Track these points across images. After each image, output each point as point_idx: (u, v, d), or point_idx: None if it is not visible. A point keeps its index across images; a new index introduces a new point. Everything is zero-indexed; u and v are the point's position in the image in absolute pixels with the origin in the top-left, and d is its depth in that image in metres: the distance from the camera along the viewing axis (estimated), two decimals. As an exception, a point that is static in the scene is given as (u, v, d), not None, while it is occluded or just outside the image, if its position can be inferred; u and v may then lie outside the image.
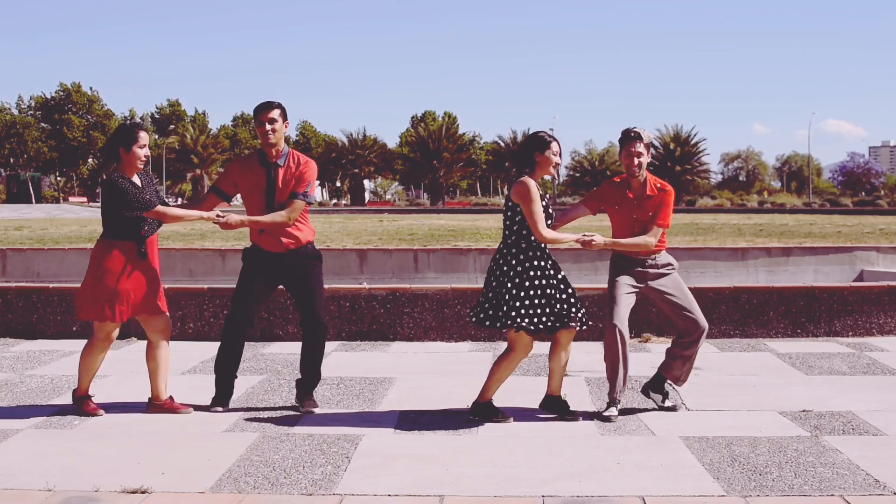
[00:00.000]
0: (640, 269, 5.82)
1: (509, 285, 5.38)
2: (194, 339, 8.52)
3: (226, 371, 5.95)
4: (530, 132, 5.71)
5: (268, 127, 5.75)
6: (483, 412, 5.57)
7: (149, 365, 5.79)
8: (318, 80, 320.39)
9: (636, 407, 5.94)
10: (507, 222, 5.52)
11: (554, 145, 5.55)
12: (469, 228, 28.67)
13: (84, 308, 5.60)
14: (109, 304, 5.53)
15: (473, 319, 5.58)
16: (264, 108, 5.80)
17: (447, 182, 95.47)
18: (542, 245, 5.47)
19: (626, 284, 5.80)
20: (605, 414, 5.63)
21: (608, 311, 5.73)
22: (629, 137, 5.81)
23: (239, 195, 6.00)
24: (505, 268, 5.44)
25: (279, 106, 5.84)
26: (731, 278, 14.66)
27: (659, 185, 5.88)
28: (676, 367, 5.87)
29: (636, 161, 5.77)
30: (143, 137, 5.62)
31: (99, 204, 6.04)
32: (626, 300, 5.75)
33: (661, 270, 5.84)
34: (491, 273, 5.54)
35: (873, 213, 51.19)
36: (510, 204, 5.50)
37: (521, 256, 5.43)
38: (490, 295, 5.49)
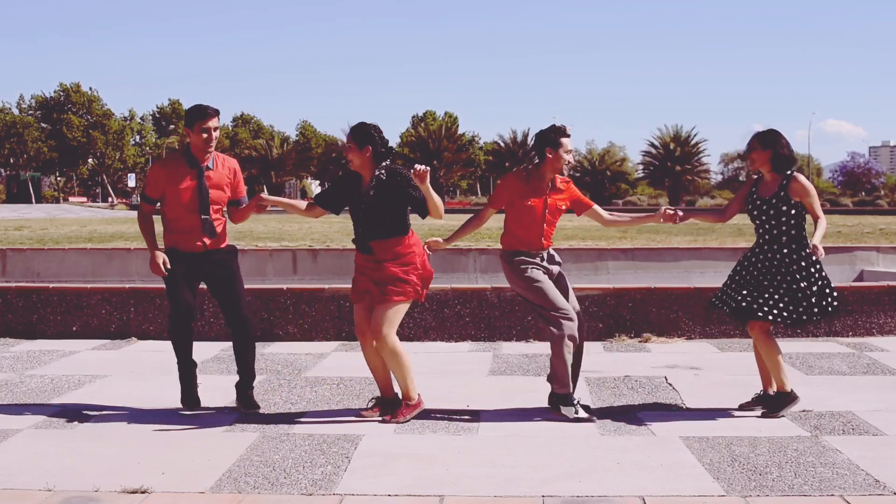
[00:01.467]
0: (545, 263, 5.84)
1: (798, 277, 5.51)
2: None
3: (191, 374, 6.00)
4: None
5: (214, 134, 5.78)
6: (788, 400, 5.64)
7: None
8: (318, 80, 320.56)
9: (636, 406, 5.93)
10: (782, 218, 5.59)
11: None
12: (469, 228, 28.61)
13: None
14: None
15: (771, 317, 5.54)
16: (212, 114, 5.77)
17: (447, 182, 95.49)
18: None
19: (545, 275, 5.79)
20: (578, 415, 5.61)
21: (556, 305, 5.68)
22: (566, 134, 5.81)
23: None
24: (801, 263, 5.56)
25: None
26: (732, 278, 14.63)
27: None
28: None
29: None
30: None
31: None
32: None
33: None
34: (768, 268, 5.58)
35: (873, 213, 51.21)
36: (793, 201, 5.57)
37: (804, 251, 5.58)
38: (778, 294, 5.53)
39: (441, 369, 7.28)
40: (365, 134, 5.50)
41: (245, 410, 5.87)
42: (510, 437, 5.19)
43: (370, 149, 5.49)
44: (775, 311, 5.51)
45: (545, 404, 5.92)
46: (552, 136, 5.75)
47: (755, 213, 5.71)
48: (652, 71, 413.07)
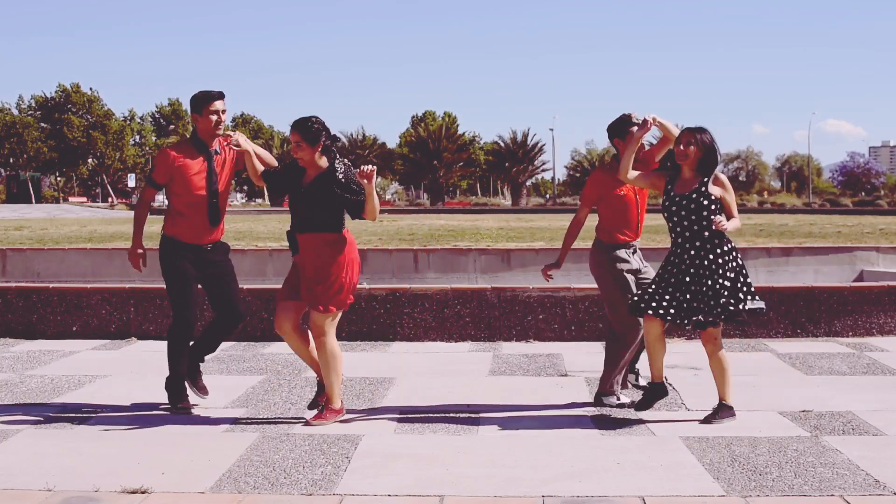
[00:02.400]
0: (636, 258, 6.00)
1: (723, 276, 5.47)
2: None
3: (181, 375, 5.92)
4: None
5: (223, 117, 5.80)
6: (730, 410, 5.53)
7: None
8: (318, 80, 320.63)
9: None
10: (702, 213, 5.49)
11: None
12: (469, 228, 28.68)
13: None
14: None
15: (689, 323, 5.44)
16: (219, 97, 5.78)
17: (447, 182, 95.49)
18: None
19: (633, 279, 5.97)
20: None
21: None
22: (633, 122, 5.85)
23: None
24: (718, 260, 5.51)
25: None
26: (732, 278, 14.63)
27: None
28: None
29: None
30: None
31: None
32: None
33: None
34: (689, 269, 5.50)
35: (873, 213, 51.13)
36: (714, 197, 5.51)
37: (726, 247, 5.56)
38: (692, 292, 5.45)
39: (441, 369, 7.28)
40: (315, 132, 5.48)
41: (200, 392, 5.86)
42: (510, 437, 5.19)
43: (321, 144, 5.52)
44: (674, 312, 5.42)
45: (545, 404, 5.93)
46: (620, 127, 5.89)
47: (673, 208, 5.57)
48: (652, 71, 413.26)
